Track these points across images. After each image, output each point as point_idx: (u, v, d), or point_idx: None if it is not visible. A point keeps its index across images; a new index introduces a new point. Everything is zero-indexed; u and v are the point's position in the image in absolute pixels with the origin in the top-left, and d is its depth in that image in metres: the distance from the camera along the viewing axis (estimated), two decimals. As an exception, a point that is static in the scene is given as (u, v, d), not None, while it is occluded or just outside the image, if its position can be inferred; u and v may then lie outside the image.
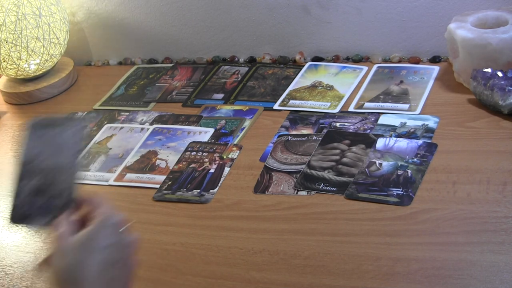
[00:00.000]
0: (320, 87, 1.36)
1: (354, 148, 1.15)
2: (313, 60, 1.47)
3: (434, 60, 1.38)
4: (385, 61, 1.42)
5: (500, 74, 1.17)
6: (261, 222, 1.05)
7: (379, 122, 1.22)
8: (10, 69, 1.50)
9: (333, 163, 1.13)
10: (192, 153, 1.23)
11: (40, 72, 1.54)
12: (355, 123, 1.22)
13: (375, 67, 1.39)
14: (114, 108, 1.44)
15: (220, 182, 1.15)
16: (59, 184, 0.80)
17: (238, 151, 1.22)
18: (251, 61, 1.52)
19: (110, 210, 0.80)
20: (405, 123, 1.20)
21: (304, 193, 1.09)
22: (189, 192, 1.14)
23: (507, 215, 0.96)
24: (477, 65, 1.21)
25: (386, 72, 1.36)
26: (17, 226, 0.84)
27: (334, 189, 1.08)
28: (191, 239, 1.05)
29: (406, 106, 1.25)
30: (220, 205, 1.10)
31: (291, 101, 1.33)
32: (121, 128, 1.36)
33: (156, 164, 1.23)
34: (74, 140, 0.82)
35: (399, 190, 1.04)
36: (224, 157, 1.21)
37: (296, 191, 1.10)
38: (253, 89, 1.41)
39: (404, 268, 0.91)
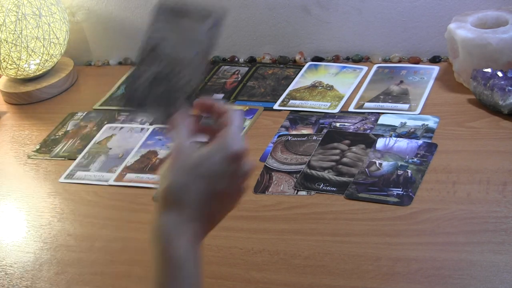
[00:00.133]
0: (320, 87, 1.36)
1: (354, 148, 1.15)
2: (313, 60, 1.47)
3: (434, 60, 1.38)
4: (385, 61, 1.42)
5: (500, 74, 1.17)
6: (261, 222, 1.05)
7: (379, 122, 1.22)
8: (10, 69, 1.50)
9: (333, 163, 1.13)
10: (192, 153, 1.23)
11: (40, 72, 1.54)
12: (355, 123, 1.22)
13: (375, 67, 1.39)
14: (114, 108, 1.44)
15: (220, 182, 1.15)
16: (183, 77, 0.74)
17: (238, 151, 1.21)
18: (251, 61, 1.52)
19: (235, 134, 0.74)
20: (405, 123, 1.20)
21: (304, 193, 1.09)
22: (189, 192, 1.14)
23: (507, 215, 0.96)
24: (477, 65, 1.21)
25: (386, 72, 1.36)
26: (129, 110, 0.77)
27: (334, 189, 1.08)
28: (191, 239, 1.05)
29: (406, 106, 1.25)
30: (220, 205, 1.10)
31: (291, 101, 1.33)
32: (121, 128, 1.36)
33: (156, 164, 1.23)
34: (206, 36, 0.75)
35: (399, 190, 1.04)
36: (224, 157, 1.20)
37: (296, 191, 1.10)
38: (253, 89, 1.41)
39: (404, 268, 0.91)
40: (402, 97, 1.27)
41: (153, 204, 1.14)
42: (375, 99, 1.28)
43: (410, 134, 1.17)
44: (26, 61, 1.49)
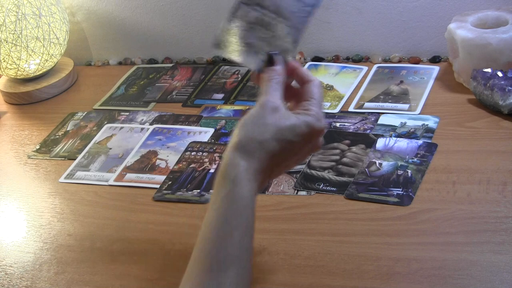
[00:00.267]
0: (320, 87, 1.36)
1: (354, 148, 1.15)
2: (313, 60, 1.47)
3: (434, 60, 1.38)
4: (385, 61, 1.42)
5: (500, 74, 1.17)
6: (261, 222, 1.04)
7: (379, 122, 1.22)
8: (10, 69, 1.50)
9: (333, 163, 1.13)
10: (192, 153, 1.23)
11: (40, 72, 1.54)
12: (355, 123, 1.22)
13: (375, 67, 1.39)
14: (114, 108, 1.44)
15: (220, 182, 1.15)
16: (282, 29, 0.72)
17: (238, 151, 1.21)
18: (251, 61, 1.52)
19: (321, 112, 0.79)
20: (405, 123, 1.20)
21: (304, 193, 1.09)
22: (189, 192, 1.14)
23: (507, 215, 0.96)
24: (477, 65, 1.21)
25: (386, 72, 1.36)
26: (222, 53, 0.76)
27: (334, 189, 1.08)
28: (191, 239, 1.04)
29: (406, 106, 1.25)
30: (220, 205, 1.10)
31: (291, 101, 1.33)
32: (121, 128, 1.36)
33: (156, 164, 1.23)
34: None
35: (399, 190, 1.04)
36: (224, 157, 1.20)
37: (296, 191, 1.10)
38: (253, 89, 1.41)
39: (404, 268, 0.91)
40: (402, 97, 1.27)
41: (153, 205, 1.15)
42: (375, 99, 1.28)
43: (410, 134, 1.17)
44: (26, 61, 1.49)
